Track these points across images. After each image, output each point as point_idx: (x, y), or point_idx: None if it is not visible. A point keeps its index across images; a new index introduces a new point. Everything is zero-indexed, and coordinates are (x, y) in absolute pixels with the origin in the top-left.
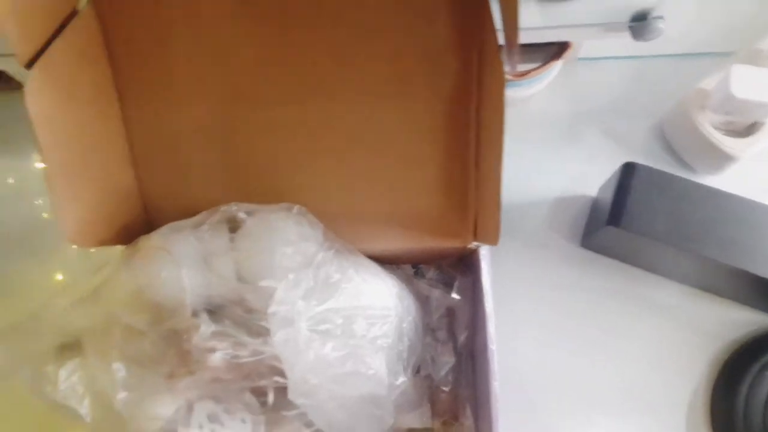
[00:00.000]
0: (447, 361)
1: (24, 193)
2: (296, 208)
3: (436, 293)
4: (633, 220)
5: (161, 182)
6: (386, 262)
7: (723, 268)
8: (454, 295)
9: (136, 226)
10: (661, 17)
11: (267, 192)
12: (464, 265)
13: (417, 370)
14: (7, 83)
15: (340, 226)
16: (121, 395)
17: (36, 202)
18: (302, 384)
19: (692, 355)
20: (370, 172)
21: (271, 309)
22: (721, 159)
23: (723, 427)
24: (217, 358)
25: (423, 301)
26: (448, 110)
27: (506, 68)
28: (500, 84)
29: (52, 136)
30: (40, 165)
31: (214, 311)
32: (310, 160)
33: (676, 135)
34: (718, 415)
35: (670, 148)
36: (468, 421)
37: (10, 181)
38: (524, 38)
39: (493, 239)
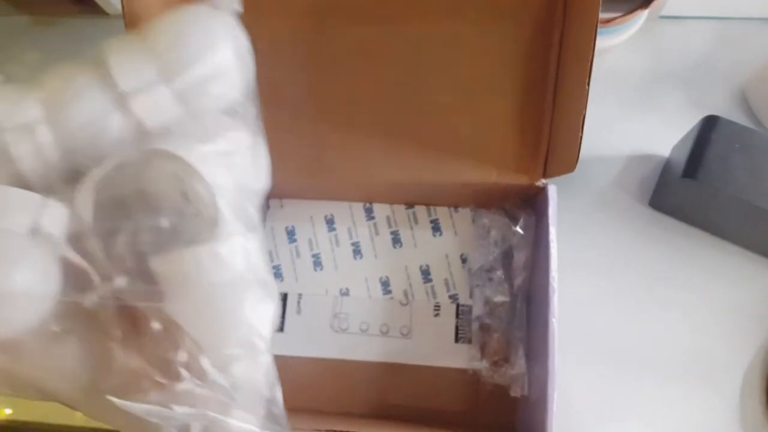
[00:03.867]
0: (501, 301)
1: None
2: None
3: (498, 224)
4: (710, 173)
5: None
6: (448, 201)
7: None
8: (517, 229)
9: None
10: None
11: (342, 113)
12: (529, 207)
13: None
14: (91, 7)
15: (405, 151)
16: None
17: None
18: None
19: (752, 325)
20: (444, 97)
21: None
22: None
23: None
24: None
25: (482, 237)
26: (530, 36)
27: None
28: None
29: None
30: None
31: None
32: (388, 81)
33: (759, 97)
34: None
35: (750, 113)
36: (520, 362)
37: None
38: None
39: (569, 165)
